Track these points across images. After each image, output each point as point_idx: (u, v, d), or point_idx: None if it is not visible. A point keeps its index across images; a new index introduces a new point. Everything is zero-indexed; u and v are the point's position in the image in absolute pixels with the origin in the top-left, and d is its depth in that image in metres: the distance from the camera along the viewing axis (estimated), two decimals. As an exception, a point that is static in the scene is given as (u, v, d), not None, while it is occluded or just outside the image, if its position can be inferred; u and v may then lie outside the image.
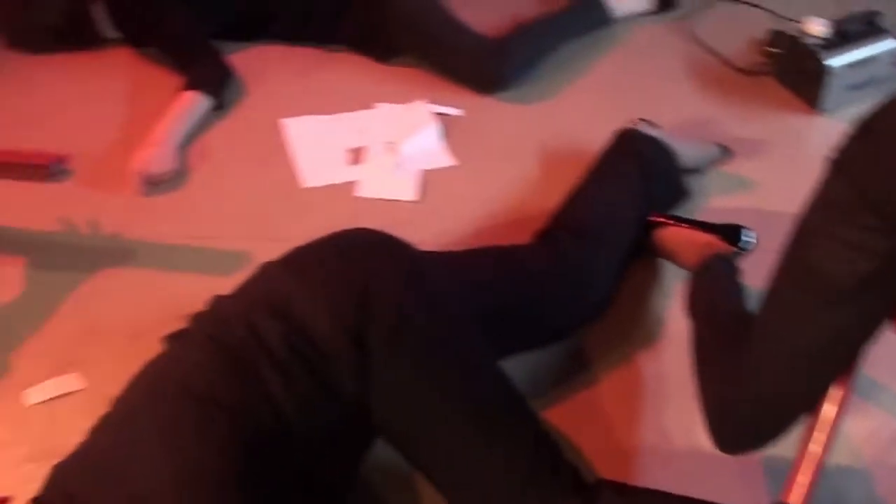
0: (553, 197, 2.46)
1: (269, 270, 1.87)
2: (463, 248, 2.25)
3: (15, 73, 3.33)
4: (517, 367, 1.97)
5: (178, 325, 1.88)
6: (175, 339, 1.84)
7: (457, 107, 3.04)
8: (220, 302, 1.88)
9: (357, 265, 1.81)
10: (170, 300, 2.41)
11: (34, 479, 1.69)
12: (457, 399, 1.75)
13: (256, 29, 3.37)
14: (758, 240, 2.31)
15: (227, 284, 1.93)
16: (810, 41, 2.92)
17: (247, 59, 3.27)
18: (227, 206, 2.74)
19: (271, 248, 1.99)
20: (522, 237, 2.36)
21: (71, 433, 1.74)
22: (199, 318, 1.85)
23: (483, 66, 3.10)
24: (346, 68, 3.26)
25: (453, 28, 3.15)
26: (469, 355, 1.81)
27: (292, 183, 2.79)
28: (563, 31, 3.27)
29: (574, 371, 2.21)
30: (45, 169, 2.86)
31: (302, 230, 2.04)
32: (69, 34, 3.38)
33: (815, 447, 1.65)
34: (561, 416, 2.09)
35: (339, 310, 1.73)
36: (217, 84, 3.08)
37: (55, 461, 1.71)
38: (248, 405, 1.66)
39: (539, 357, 2.19)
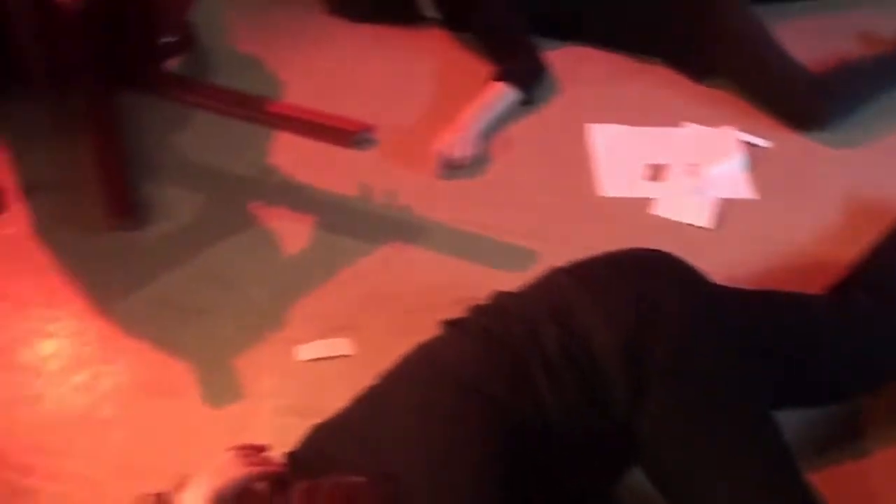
0: (851, 250, 2.34)
1: (557, 276, 1.87)
2: (749, 285, 2.18)
3: (332, 40, 3.43)
4: (784, 421, 1.89)
5: (457, 311, 1.90)
6: (452, 325, 1.87)
7: (766, 138, 2.94)
8: (502, 298, 1.89)
9: (647, 286, 1.79)
10: (451, 284, 2.44)
11: (292, 432, 1.75)
12: (728, 443, 1.70)
13: (573, 28, 3.36)
14: None
15: (510, 280, 1.94)
16: None
17: (560, 58, 3.26)
18: (521, 201, 2.74)
19: (559, 252, 1.99)
20: (811, 286, 2.27)
21: (334, 396, 1.80)
22: (479, 310, 1.87)
23: (804, 101, 2.98)
24: (658, 82, 3.20)
25: (779, 55, 3.03)
26: (747, 398, 1.76)
27: (589, 188, 2.78)
28: (891, 76, 3.11)
29: (844, 439, 2.10)
30: (351, 135, 2.94)
31: (592, 238, 2.04)
32: (390, 8, 3.47)
33: None
34: (823, 483, 1.95)
35: (621, 327, 1.72)
36: (529, 79, 3.09)
37: (315, 420, 1.76)
38: (513, 402, 1.67)
39: (808, 415, 2.09)
